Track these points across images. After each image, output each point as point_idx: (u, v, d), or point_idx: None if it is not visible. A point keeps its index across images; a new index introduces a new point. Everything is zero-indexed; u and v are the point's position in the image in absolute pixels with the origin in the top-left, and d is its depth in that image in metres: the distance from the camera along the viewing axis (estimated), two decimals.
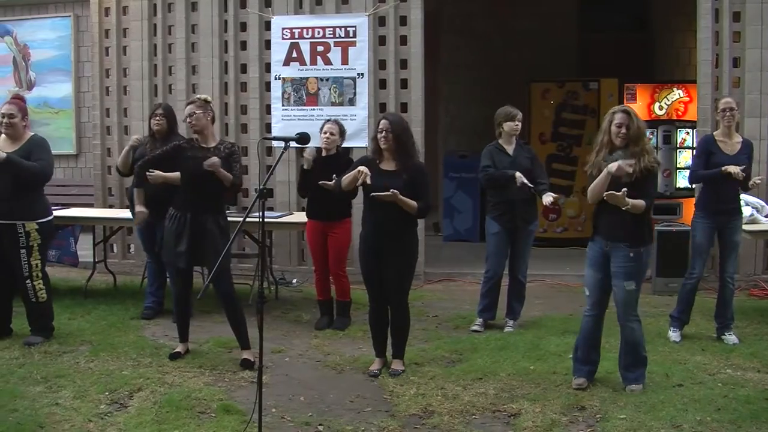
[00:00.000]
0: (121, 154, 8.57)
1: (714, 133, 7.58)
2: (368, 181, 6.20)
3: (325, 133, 7.79)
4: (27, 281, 7.21)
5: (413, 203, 6.31)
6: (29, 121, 7.41)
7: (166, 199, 7.12)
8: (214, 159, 6.60)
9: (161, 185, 7.04)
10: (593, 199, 5.99)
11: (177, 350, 6.93)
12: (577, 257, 10.54)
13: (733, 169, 7.06)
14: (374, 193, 6.21)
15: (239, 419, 5.48)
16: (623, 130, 5.81)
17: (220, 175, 6.58)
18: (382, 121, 6.45)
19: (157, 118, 8.13)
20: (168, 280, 8.31)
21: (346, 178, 6.40)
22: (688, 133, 11.50)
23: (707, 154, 7.37)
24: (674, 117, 11.67)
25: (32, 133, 7.34)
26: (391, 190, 6.14)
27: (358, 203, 6.91)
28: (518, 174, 7.50)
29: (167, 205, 6.98)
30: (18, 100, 7.42)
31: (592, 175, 5.97)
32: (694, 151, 7.85)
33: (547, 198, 7.56)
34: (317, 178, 7.56)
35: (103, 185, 10.96)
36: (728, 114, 7.30)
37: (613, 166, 5.74)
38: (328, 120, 8.11)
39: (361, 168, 6.26)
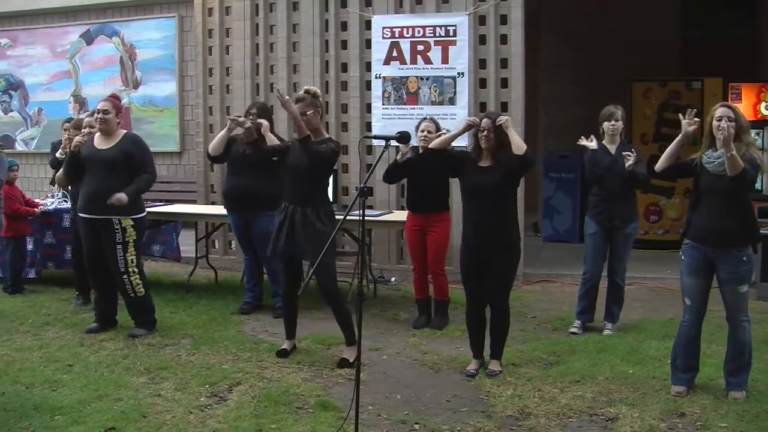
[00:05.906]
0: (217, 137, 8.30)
1: None
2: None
3: (422, 131, 7.73)
4: (123, 276, 7.38)
5: (521, 143, 6.39)
6: (122, 118, 7.60)
7: (260, 194, 7.20)
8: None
9: (258, 181, 7.05)
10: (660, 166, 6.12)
11: (284, 347, 6.97)
12: (678, 260, 10.33)
13: None
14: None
15: (336, 416, 5.52)
16: (723, 123, 5.58)
17: None
18: (485, 120, 6.43)
19: (251, 117, 8.10)
20: (266, 276, 8.43)
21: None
22: None
23: None
24: None
25: (125, 131, 7.56)
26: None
27: (456, 200, 6.88)
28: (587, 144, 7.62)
29: (261, 200, 7.04)
30: (113, 98, 7.62)
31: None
32: None
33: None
34: (415, 176, 7.61)
35: (206, 182, 11.18)
36: None
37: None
38: (424, 118, 8.06)
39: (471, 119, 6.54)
